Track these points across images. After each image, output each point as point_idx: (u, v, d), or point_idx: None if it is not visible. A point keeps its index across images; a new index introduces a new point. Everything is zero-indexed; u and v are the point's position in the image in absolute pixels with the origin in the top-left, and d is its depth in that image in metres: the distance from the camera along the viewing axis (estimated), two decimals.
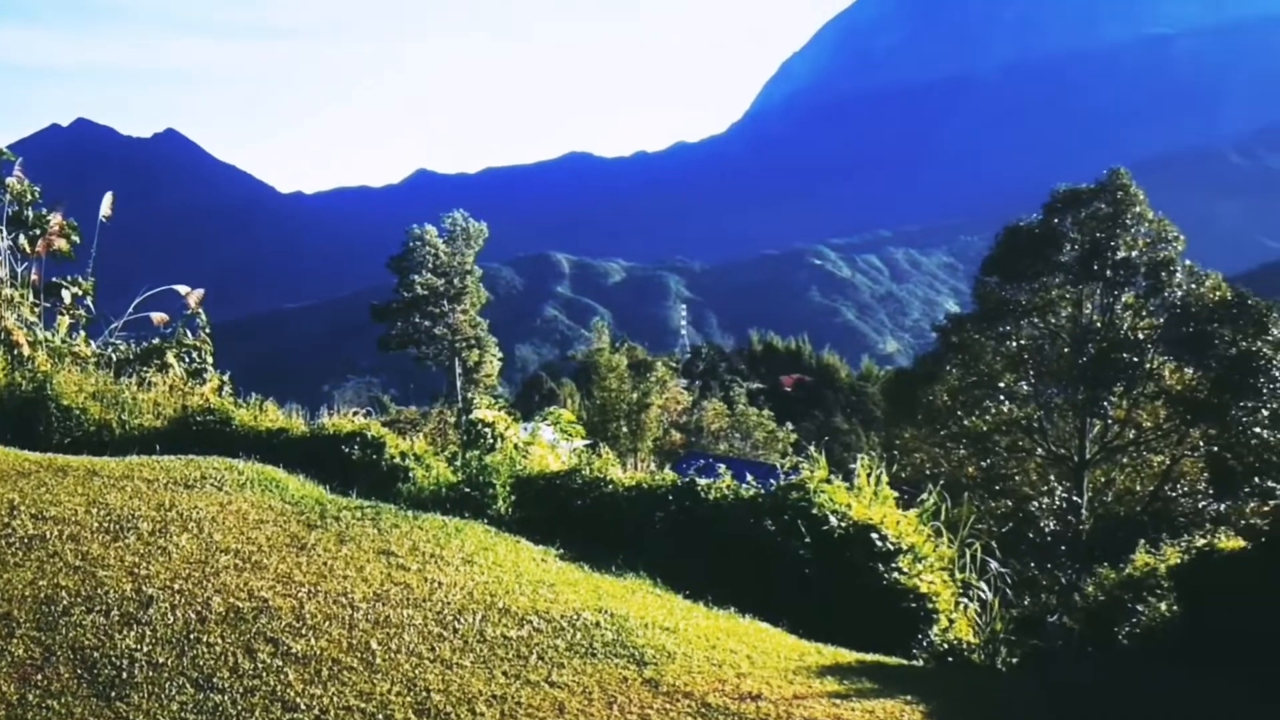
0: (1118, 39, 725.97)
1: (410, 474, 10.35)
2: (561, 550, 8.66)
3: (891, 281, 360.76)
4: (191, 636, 5.76)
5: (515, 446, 11.47)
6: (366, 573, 7.04)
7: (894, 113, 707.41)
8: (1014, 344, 25.26)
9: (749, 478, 9.88)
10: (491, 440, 11.71)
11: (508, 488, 10.13)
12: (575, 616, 6.61)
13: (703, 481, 9.64)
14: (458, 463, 10.92)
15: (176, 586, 6.40)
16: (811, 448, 11.07)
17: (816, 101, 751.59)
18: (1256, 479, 21.08)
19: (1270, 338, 22.04)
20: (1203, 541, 10.12)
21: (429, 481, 10.34)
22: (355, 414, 11.94)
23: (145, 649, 5.59)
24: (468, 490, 10.06)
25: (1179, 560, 10.30)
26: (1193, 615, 9.47)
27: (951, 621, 8.93)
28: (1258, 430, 21.65)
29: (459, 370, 61.38)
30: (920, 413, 26.47)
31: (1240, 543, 9.38)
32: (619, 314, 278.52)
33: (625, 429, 57.81)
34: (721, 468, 10.12)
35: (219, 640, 5.74)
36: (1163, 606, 10.37)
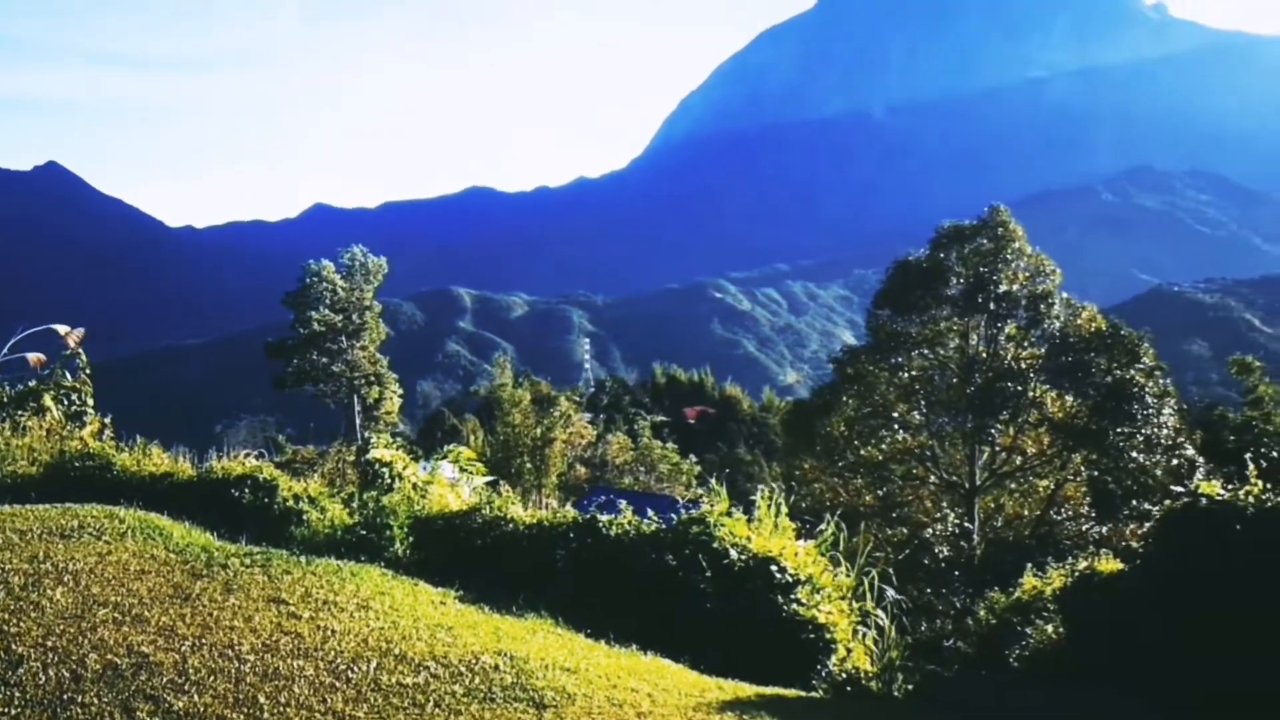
0: (997, 82, 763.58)
1: (304, 517, 10.04)
2: (461, 592, 8.51)
3: (790, 314, 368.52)
4: (65, 697, 5.44)
5: (414, 486, 11.25)
6: (255, 623, 6.78)
7: (789, 150, 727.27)
8: (906, 375, 26.01)
9: (650, 513, 9.92)
10: (389, 480, 11.46)
11: (405, 529, 9.93)
12: (474, 660, 6.50)
13: (604, 518, 9.63)
14: (354, 504, 10.66)
15: (49, 644, 6.04)
16: (713, 480, 11.20)
17: (714, 138, 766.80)
18: (1134, 501, 22.20)
19: (1142, 366, 23.33)
20: (1084, 565, 10.57)
21: (324, 524, 10.06)
22: (247, 455, 11.56)
23: (13, 712, 5.25)
24: (364, 532, 9.82)
25: (1063, 583, 10.72)
26: (1077, 636, 9.85)
27: (849, 651, 9.08)
28: (1134, 454, 22.76)
29: (358, 408, 59.91)
30: (818, 443, 26.95)
31: (1118, 565, 9.84)
32: (522, 348, 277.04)
33: (529, 464, 57.21)
34: (623, 503, 10.13)
35: (95, 700, 5.44)
36: (1049, 629, 10.76)
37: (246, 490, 10.09)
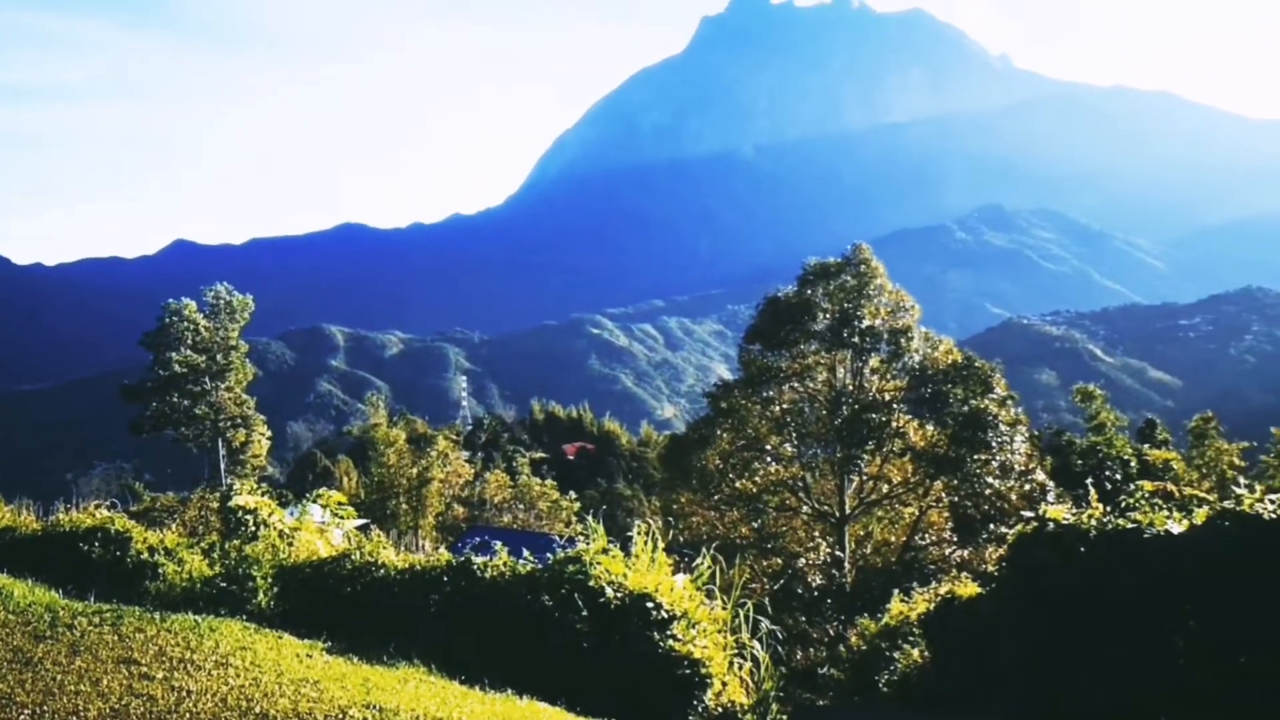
0: (858, 125, 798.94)
1: (160, 570, 9.54)
2: (329, 643, 8.22)
3: (666, 349, 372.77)
4: None
5: (280, 533, 10.84)
6: (103, 686, 6.38)
7: (663, 188, 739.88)
8: (777, 407, 26.65)
9: (525, 553, 9.83)
10: (253, 528, 11.01)
11: (270, 579, 9.54)
12: (341, 715, 6.28)
13: (479, 560, 9.49)
14: (215, 554, 10.18)
15: None
16: (590, 518, 11.19)
17: (590, 177, 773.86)
18: (992, 525, 23.29)
19: (995, 396, 24.65)
20: (945, 589, 11.02)
21: (182, 577, 9.57)
22: (99, 506, 10.93)
23: None
24: (225, 584, 9.38)
25: (926, 608, 11.14)
26: (940, 659, 10.24)
27: (725, 685, 9.17)
28: (990, 480, 23.94)
29: (223, 451, 57.31)
30: (695, 477, 27.24)
31: (975, 588, 10.31)
32: (398, 387, 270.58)
33: (406, 505, 55.79)
34: (498, 544, 10.01)
35: None
36: (915, 653, 11.15)
37: (97, 544, 9.53)
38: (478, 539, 10.88)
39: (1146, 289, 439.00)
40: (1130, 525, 7.96)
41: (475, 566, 9.40)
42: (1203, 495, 8.69)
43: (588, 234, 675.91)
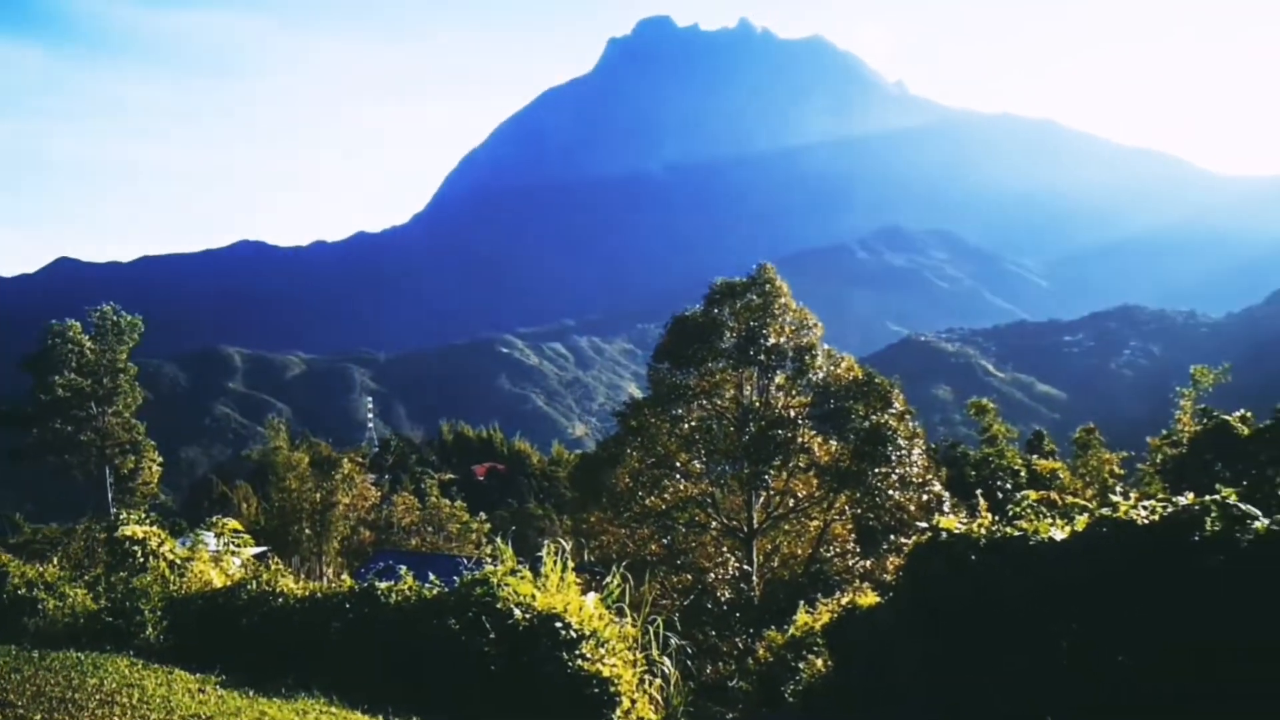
0: (764, 147, 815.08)
1: (40, 606, 9.09)
2: (224, 676, 7.96)
3: (577, 368, 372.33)
4: None
5: (170, 564, 10.44)
6: None
7: (571, 208, 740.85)
8: (686, 425, 26.91)
9: (431, 577, 9.70)
10: (142, 559, 10.58)
11: (159, 612, 9.18)
12: None
13: (382, 586, 9.33)
14: (100, 588, 9.75)
15: None
16: (500, 538, 11.10)
17: (497, 195, 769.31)
18: (892, 536, 24.00)
19: (894, 411, 25.45)
20: (847, 599, 11.27)
21: (63, 613, 9.14)
22: None
23: None
24: (111, 619, 9.00)
25: (829, 618, 11.37)
26: (843, 668, 10.46)
27: (634, 702, 9.20)
28: (890, 492, 24.74)
29: (111, 479, 54.89)
30: (605, 495, 27.28)
31: (875, 598, 10.58)
32: (300, 409, 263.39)
33: (309, 531, 54.27)
34: (403, 569, 9.85)
35: None
36: (819, 663, 11.36)
37: None
38: (382, 563, 10.68)
39: (1033, 307, 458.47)
40: (1017, 533, 8.30)
41: (379, 592, 9.23)
42: (1083, 503, 9.13)
43: (496, 253, 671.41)
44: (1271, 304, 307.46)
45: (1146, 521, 7.84)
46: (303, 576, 10.71)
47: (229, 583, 9.74)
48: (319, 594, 9.29)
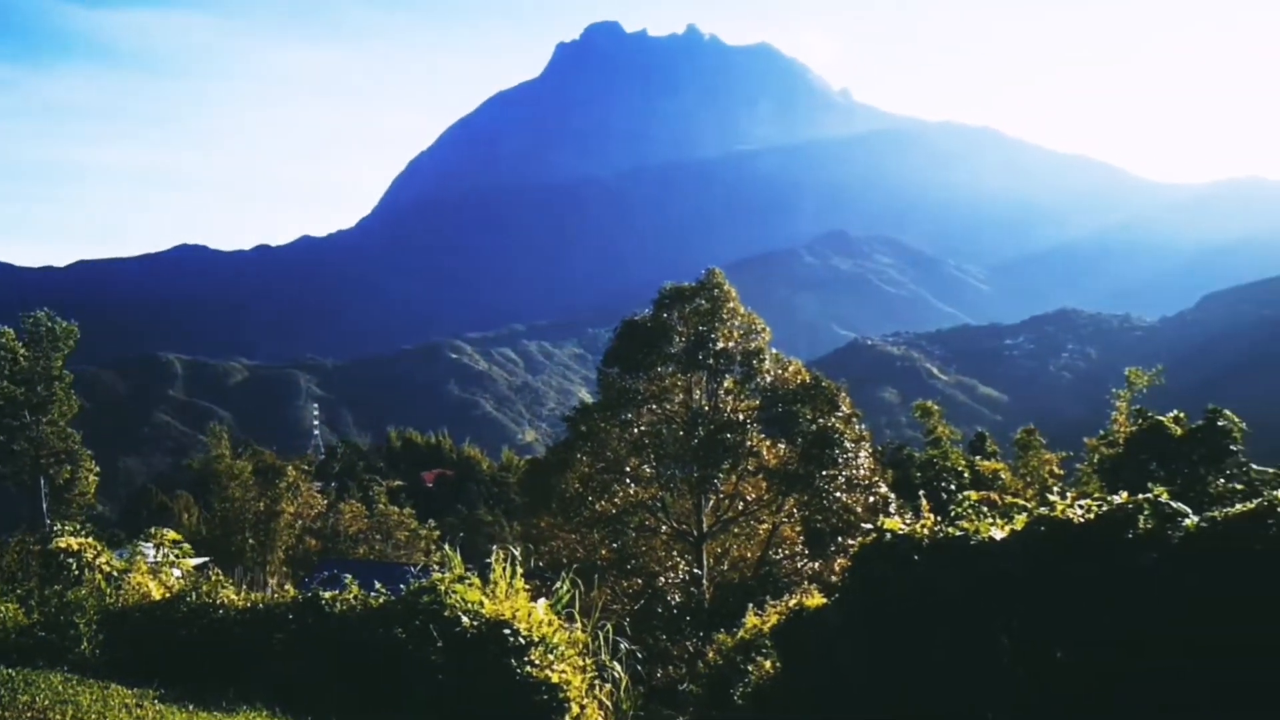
0: (712, 153, 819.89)
1: None
2: (162, 690, 7.78)
3: (527, 373, 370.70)
4: None
5: (107, 577, 10.19)
6: None
7: (520, 212, 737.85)
8: (636, 429, 26.96)
9: (377, 585, 9.59)
10: (77, 572, 10.31)
11: (94, 625, 8.95)
12: None
13: (327, 595, 9.20)
14: (33, 602, 9.48)
15: None
16: (448, 545, 11.02)
17: (446, 200, 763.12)
18: (840, 538, 24.30)
19: (840, 414, 25.79)
20: (795, 601, 11.37)
21: None
22: None
23: None
24: (44, 634, 8.75)
25: (778, 620, 11.46)
26: (791, 669, 10.55)
27: (583, 708, 9.19)
28: (837, 495, 25.07)
29: (45, 490, 53.33)
30: (555, 500, 27.23)
31: (822, 599, 10.69)
32: (243, 417, 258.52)
33: (252, 540, 53.33)
34: (348, 578, 9.73)
35: None
36: (767, 664, 11.44)
37: None
38: (327, 573, 10.54)
39: (976, 311, 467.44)
40: (959, 533, 8.47)
41: (323, 602, 9.10)
42: (1021, 502, 9.34)
43: (444, 257, 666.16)
44: (1202, 308, 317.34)
45: (1082, 520, 8.04)
46: (244, 588, 10.51)
47: (168, 595, 9.53)
48: (261, 605, 9.13)
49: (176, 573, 11.85)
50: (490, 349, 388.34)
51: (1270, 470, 24.40)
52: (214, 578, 9.75)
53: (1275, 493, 7.82)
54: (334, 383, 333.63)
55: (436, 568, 10.10)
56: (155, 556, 12.35)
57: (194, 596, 9.15)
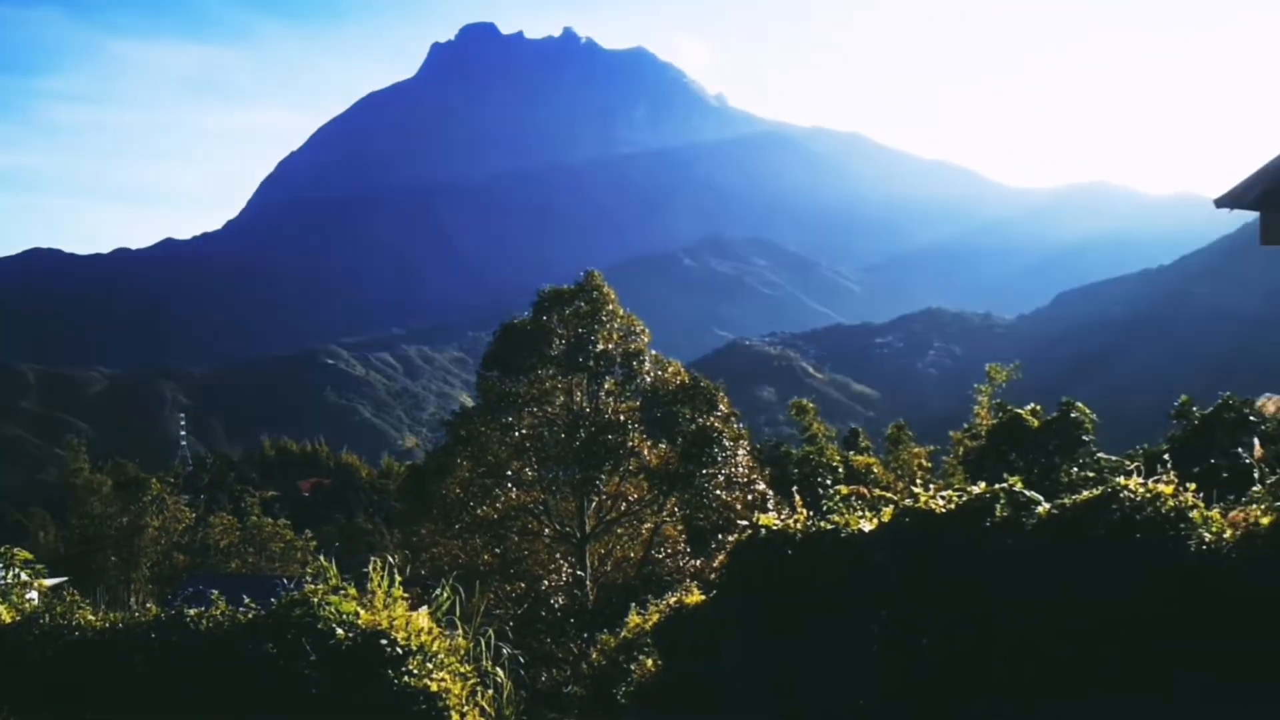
0: (590, 156, 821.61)
1: None
2: (13, 718, 7.35)
3: (406, 378, 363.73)
4: None
5: None
6: None
7: (396, 215, 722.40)
8: (517, 433, 26.80)
9: (245, 599, 9.29)
10: None
11: None
12: None
13: (192, 612, 8.86)
14: None
15: None
16: (321, 556, 10.77)
17: (318, 202, 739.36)
18: (720, 535, 24.74)
19: (719, 413, 26.29)
20: (675, 599, 11.53)
21: None
22: None
23: None
24: None
25: (659, 618, 11.60)
26: (671, 667, 10.70)
27: (463, 716, 9.11)
28: (717, 493, 25.53)
29: None
30: (435, 507, 26.87)
31: (701, 596, 10.87)
32: (104, 428, 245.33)
33: (115, 558, 50.84)
34: (214, 593, 9.39)
35: None
36: (649, 662, 11.57)
37: None
38: (192, 589, 10.15)
39: (847, 311, 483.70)
40: (830, 527, 8.77)
41: (187, 619, 8.75)
42: (890, 495, 9.73)
43: (317, 261, 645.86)
44: (1056, 305, 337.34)
45: (944, 510, 8.45)
46: (103, 608, 10.01)
47: (18, 618, 8.99)
48: (120, 625, 8.72)
49: (32, 595, 11.20)
50: (368, 354, 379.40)
51: (1115, 458, 26.10)
52: (69, 598, 9.26)
53: (1118, 479, 8.40)
54: (202, 391, 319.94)
55: (310, 579, 9.86)
56: (5, 578, 11.66)
57: (48, 618, 8.67)
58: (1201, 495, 8.12)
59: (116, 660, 8.41)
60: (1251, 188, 5.61)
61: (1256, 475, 8.92)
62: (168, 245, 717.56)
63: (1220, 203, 5.84)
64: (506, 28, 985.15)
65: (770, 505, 24.69)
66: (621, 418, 26.24)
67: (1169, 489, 7.96)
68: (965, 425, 32.19)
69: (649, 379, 26.95)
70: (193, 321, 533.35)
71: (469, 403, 34.60)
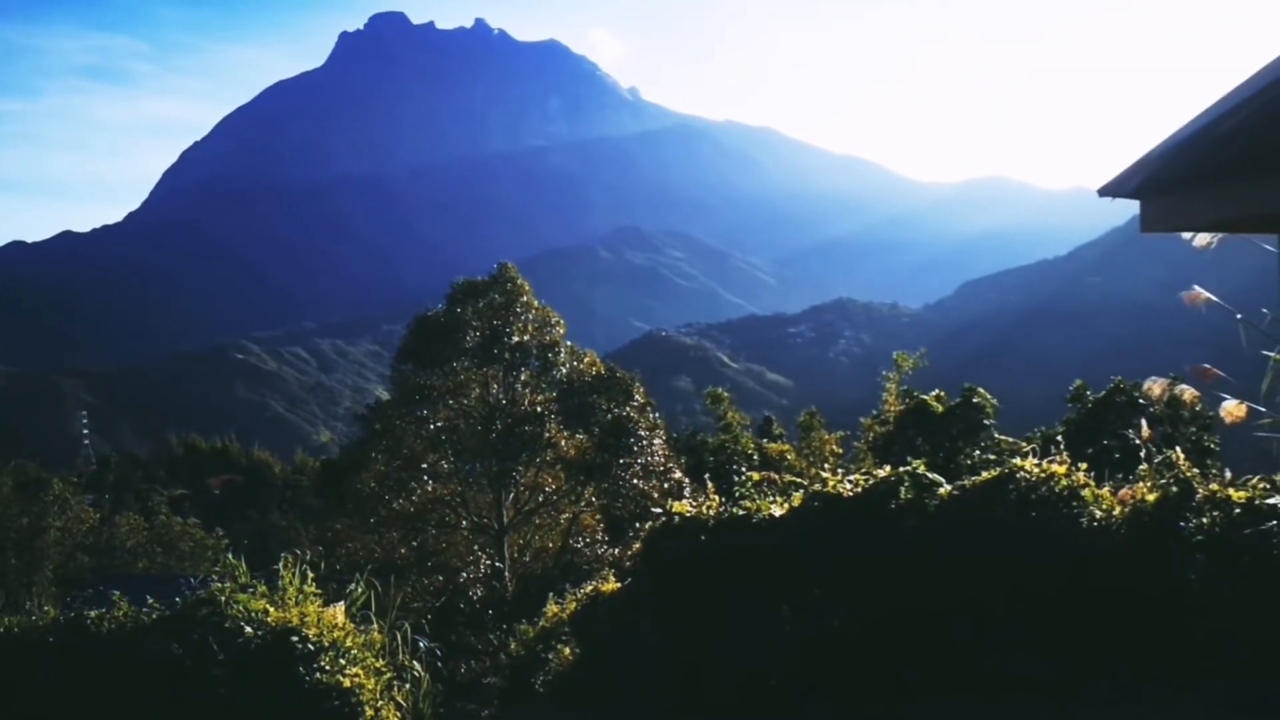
0: (503, 148, 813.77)
1: None
2: None
3: (320, 372, 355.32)
4: None
5: None
6: None
7: (305, 207, 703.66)
8: (433, 426, 26.61)
9: (149, 599, 9.05)
10: None
11: None
12: None
13: (93, 614, 8.60)
14: None
15: None
16: (229, 554, 10.55)
17: (224, 193, 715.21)
18: (637, 524, 24.92)
19: (635, 403, 26.56)
20: (591, 587, 11.61)
21: None
22: None
23: None
24: None
25: (575, 607, 11.67)
26: (588, 655, 10.78)
27: (378, 710, 9.04)
28: (634, 482, 25.78)
29: None
30: (351, 501, 26.58)
31: (617, 584, 10.97)
32: (2, 428, 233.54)
33: (15, 562, 48.80)
34: (116, 594, 9.12)
35: None
36: (566, 651, 11.63)
37: None
38: (91, 590, 9.83)
39: (761, 302, 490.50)
40: (741, 513, 8.95)
41: (88, 622, 8.49)
42: (800, 480, 9.96)
43: (224, 253, 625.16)
44: (960, 295, 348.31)
45: (851, 494, 8.70)
46: None
47: None
48: (16, 628, 8.41)
49: None
50: (280, 348, 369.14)
51: (1013, 440, 27.12)
52: None
53: (1015, 460, 8.77)
54: (105, 388, 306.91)
55: (217, 578, 9.65)
56: None
57: None
58: (1093, 475, 8.52)
59: (15, 667, 8.12)
60: (1131, 177, 5.89)
61: (1144, 455, 9.38)
62: (66, 238, 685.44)
63: (1103, 191, 6.12)
64: (417, 17, 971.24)
65: (686, 493, 25.09)
66: (538, 409, 26.25)
67: (1062, 469, 8.33)
68: (874, 411, 32.95)
69: (565, 370, 27.01)
70: (94, 316, 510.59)
71: (384, 396, 34.14)
